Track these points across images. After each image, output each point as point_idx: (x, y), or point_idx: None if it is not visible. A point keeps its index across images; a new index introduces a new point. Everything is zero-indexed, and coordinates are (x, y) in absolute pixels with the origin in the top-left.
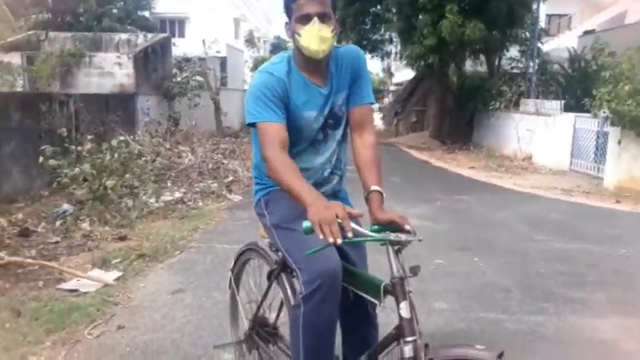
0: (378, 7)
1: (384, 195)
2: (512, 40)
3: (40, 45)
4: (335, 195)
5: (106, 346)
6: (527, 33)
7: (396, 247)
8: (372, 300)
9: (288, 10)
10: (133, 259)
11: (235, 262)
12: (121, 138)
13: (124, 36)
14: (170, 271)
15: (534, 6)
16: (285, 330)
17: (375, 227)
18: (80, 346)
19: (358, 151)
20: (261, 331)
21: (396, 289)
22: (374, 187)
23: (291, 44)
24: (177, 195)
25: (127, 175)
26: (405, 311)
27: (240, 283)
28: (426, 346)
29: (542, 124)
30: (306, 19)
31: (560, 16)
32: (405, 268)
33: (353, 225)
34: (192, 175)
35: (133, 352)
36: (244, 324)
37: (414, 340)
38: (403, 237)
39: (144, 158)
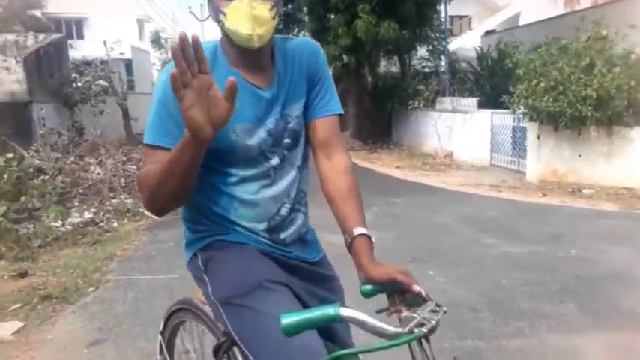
0: (289, 6)
1: (374, 239)
2: (422, 39)
3: None
4: (301, 240)
5: None
6: (435, 33)
7: (424, 342)
8: None
9: None
10: (36, 303)
11: (165, 324)
12: (9, 155)
13: (10, 37)
14: (84, 315)
15: (441, 6)
16: None
17: (368, 288)
18: None
19: (328, 179)
20: None
21: None
22: (359, 230)
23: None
24: (87, 216)
25: (23, 198)
26: None
27: (173, 349)
28: None
29: (460, 121)
30: None
31: (460, 17)
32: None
33: (356, 314)
34: (103, 191)
35: None
36: None
37: None
38: (434, 320)
39: (43, 176)
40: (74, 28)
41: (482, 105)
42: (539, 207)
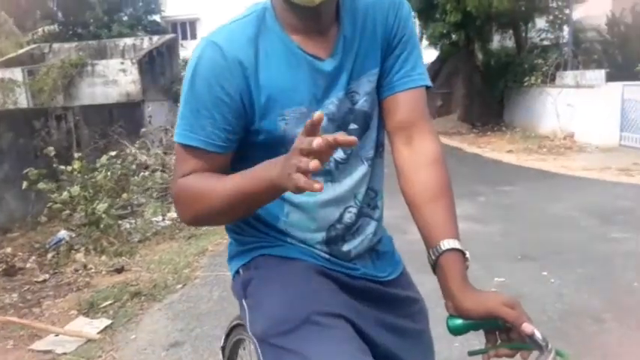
0: None
1: (468, 256)
2: (540, 9)
3: (45, 58)
4: (372, 252)
5: None
6: (556, 1)
7: None
8: None
9: None
10: (126, 300)
11: (226, 337)
12: (112, 153)
13: (129, 41)
14: (169, 314)
15: None
16: None
17: (458, 323)
18: None
19: (408, 174)
20: None
21: None
22: (450, 244)
23: None
24: None
25: (125, 195)
26: None
27: None
28: None
29: (584, 96)
30: None
31: None
32: None
33: None
34: None
35: None
36: None
37: None
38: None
39: (142, 173)
40: (188, 28)
41: (611, 78)
42: None
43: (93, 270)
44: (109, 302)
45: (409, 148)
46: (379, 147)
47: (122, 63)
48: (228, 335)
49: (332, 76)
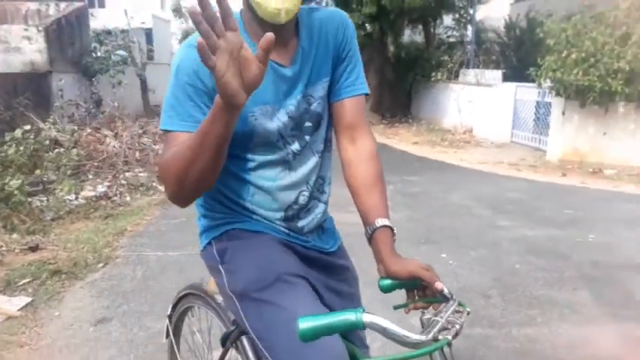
0: None
1: (395, 230)
2: (448, 7)
3: None
4: (320, 228)
5: None
6: (462, 1)
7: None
8: None
9: None
10: (45, 278)
11: (174, 308)
12: (27, 127)
13: (32, 5)
14: (92, 292)
15: None
16: None
17: (387, 283)
18: None
19: (351, 166)
20: None
21: None
22: (382, 222)
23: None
24: (101, 189)
25: (38, 171)
26: None
27: (180, 334)
28: None
29: (483, 94)
30: None
31: None
32: None
33: (379, 320)
34: (118, 164)
35: None
36: None
37: None
38: (458, 324)
39: (56, 150)
40: None
41: (507, 78)
42: (558, 188)
43: (4, 248)
44: (27, 280)
45: (353, 145)
46: (327, 142)
47: (26, 30)
48: (175, 305)
49: (292, 80)
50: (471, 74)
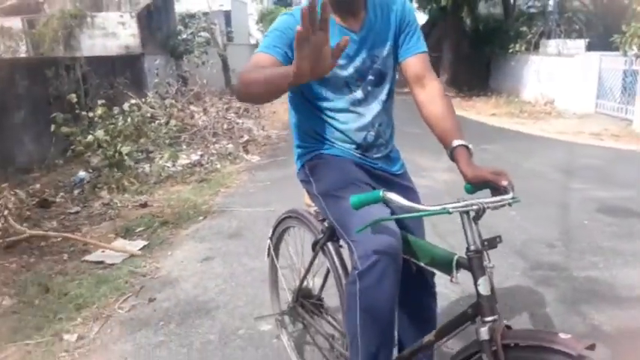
0: None
1: (471, 147)
2: None
3: (40, 7)
4: (386, 157)
5: (139, 320)
6: None
7: (472, 215)
8: (442, 273)
9: None
10: (156, 227)
11: (274, 230)
12: (133, 101)
13: None
14: (196, 238)
15: None
16: (330, 301)
17: (469, 187)
18: (112, 321)
19: (425, 106)
20: (306, 302)
21: (473, 264)
22: (457, 142)
23: None
24: (194, 158)
25: (142, 140)
26: (483, 288)
27: (279, 252)
28: (508, 328)
29: (564, 65)
30: None
31: None
32: (481, 239)
33: (396, 197)
34: (207, 136)
35: (167, 325)
36: (286, 294)
37: (494, 321)
38: (485, 204)
39: (157, 121)
40: None
41: (593, 47)
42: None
43: (119, 204)
44: (142, 228)
45: (423, 90)
46: (390, 94)
47: (121, 16)
48: (275, 228)
49: (359, 43)
50: (552, 45)
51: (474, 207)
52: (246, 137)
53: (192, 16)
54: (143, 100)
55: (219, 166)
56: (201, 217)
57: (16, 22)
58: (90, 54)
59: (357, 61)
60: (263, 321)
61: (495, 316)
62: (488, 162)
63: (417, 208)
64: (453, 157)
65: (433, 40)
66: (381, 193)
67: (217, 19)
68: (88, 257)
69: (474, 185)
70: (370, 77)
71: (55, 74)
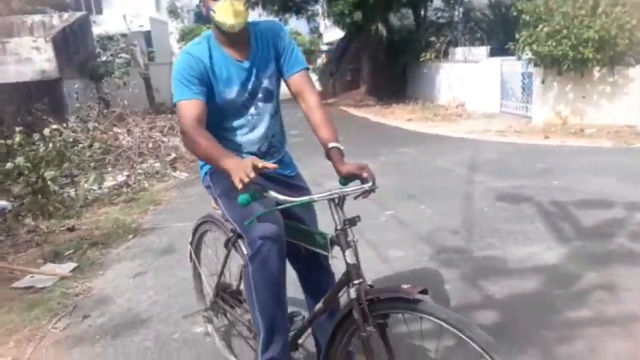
0: None
1: (342, 148)
2: None
3: None
4: (280, 162)
5: (74, 337)
6: None
7: (336, 202)
8: (322, 252)
9: None
10: (85, 249)
11: (193, 235)
12: (53, 126)
13: (37, 18)
14: (127, 256)
15: None
16: None
17: (342, 181)
18: (46, 341)
19: (307, 115)
20: (226, 295)
21: (341, 240)
22: (330, 145)
23: None
24: (121, 179)
25: (65, 165)
26: (350, 258)
27: (200, 255)
28: (370, 287)
29: (471, 70)
30: None
31: None
32: (346, 220)
33: (282, 196)
34: (133, 156)
35: (103, 337)
36: (209, 292)
37: (360, 283)
38: (345, 192)
39: (80, 145)
40: (92, 3)
41: (495, 53)
42: (538, 147)
43: (45, 230)
44: (71, 251)
45: (304, 102)
46: (278, 107)
47: (35, 41)
48: (194, 233)
49: (249, 70)
50: (459, 52)
51: (336, 195)
52: (173, 155)
53: (110, 38)
54: (64, 124)
55: (147, 184)
56: (131, 236)
57: None
58: (4, 80)
59: (249, 86)
60: (192, 319)
61: (360, 280)
62: (404, 164)
63: (291, 200)
64: (328, 157)
65: (352, 53)
66: (271, 193)
67: (137, 40)
68: (16, 284)
69: (346, 178)
70: (260, 95)
71: None
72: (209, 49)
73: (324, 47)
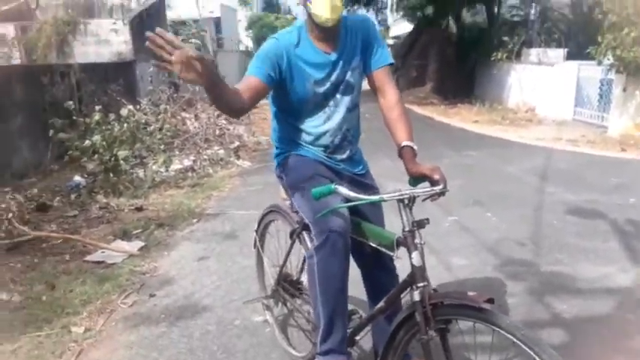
0: None
1: (415, 148)
2: None
3: (33, 14)
4: (350, 159)
5: (141, 314)
6: None
7: (405, 202)
8: (387, 251)
9: None
10: (152, 229)
11: (259, 224)
12: (129, 107)
13: (116, 0)
14: (191, 239)
15: None
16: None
17: (412, 181)
18: (116, 314)
19: (384, 112)
20: (287, 285)
21: (408, 241)
22: (404, 143)
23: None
24: (187, 163)
25: (137, 146)
26: (416, 260)
27: (264, 244)
28: (435, 290)
29: (545, 73)
30: None
31: None
32: (415, 221)
33: (344, 190)
34: (199, 142)
35: (167, 317)
36: (270, 281)
37: (424, 286)
38: (415, 193)
39: (151, 127)
40: None
41: (572, 57)
42: (612, 160)
43: (116, 208)
44: (139, 230)
45: (384, 99)
46: (356, 103)
47: (114, 23)
48: (260, 221)
49: (334, 62)
50: (533, 53)
51: (406, 195)
52: (237, 143)
53: (183, 23)
54: (137, 107)
55: (211, 171)
56: (195, 220)
57: (9, 29)
58: (83, 61)
59: (333, 77)
60: (256, 313)
61: (425, 282)
62: (470, 167)
63: (360, 198)
64: (400, 155)
65: (419, 48)
66: (333, 186)
67: (207, 26)
68: (89, 257)
69: (415, 179)
70: (342, 88)
71: (50, 81)
72: (298, 38)
73: (391, 41)
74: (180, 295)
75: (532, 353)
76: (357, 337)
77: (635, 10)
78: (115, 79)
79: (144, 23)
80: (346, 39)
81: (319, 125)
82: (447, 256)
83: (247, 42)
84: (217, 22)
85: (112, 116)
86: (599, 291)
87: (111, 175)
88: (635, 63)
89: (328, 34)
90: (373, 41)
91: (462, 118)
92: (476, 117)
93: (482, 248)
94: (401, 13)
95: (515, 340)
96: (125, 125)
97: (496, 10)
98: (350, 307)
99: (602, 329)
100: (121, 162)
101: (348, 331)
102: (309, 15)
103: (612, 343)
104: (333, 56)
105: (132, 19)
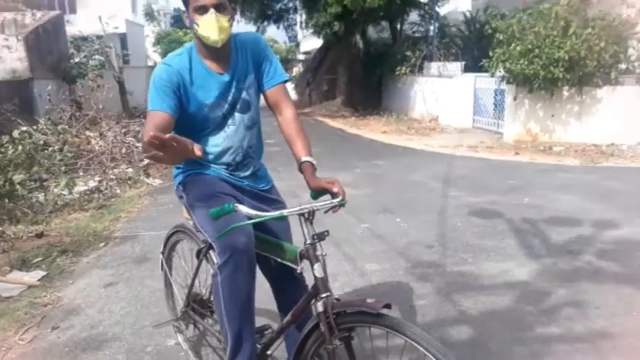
0: None
1: (314, 162)
2: (412, 5)
3: None
4: (255, 175)
5: (42, 350)
6: None
7: (306, 216)
8: (291, 265)
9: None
10: (55, 257)
11: (165, 245)
12: (23, 128)
13: (8, 15)
14: (98, 265)
15: None
16: None
17: (313, 194)
18: (12, 353)
19: (282, 128)
20: (196, 306)
21: (310, 254)
22: (304, 159)
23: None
24: (92, 184)
25: (35, 168)
26: (318, 272)
27: (172, 265)
28: (337, 300)
29: (445, 85)
30: (202, 9)
31: None
32: (315, 234)
33: (242, 208)
34: (105, 161)
35: (72, 351)
36: (180, 302)
37: (327, 296)
38: (316, 207)
39: (50, 148)
40: (66, 2)
41: (469, 69)
42: (507, 164)
43: (12, 236)
44: (40, 259)
45: (281, 115)
46: (256, 119)
47: (6, 39)
48: (166, 242)
49: (227, 82)
50: (433, 67)
51: (306, 209)
52: (146, 161)
53: (84, 38)
54: (34, 126)
55: (119, 191)
56: (102, 244)
57: None
58: None
59: (229, 97)
60: (169, 337)
61: (328, 293)
62: (379, 176)
63: (261, 215)
64: (301, 170)
65: (328, 63)
66: (231, 206)
67: (112, 42)
68: None
69: (316, 192)
70: (239, 106)
71: None
72: (190, 61)
73: (301, 56)
74: (87, 325)
75: (421, 348)
76: (269, 352)
77: (519, 27)
78: (9, 98)
79: (41, 39)
80: (237, 58)
81: (220, 144)
82: (360, 263)
83: (156, 57)
84: (123, 39)
85: (5, 138)
86: (501, 286)
87: (6, 201)
88: (522, 74)
89: (219, 54)
90: (264, 60)
91: (371, 129)
92: (384, 128)
93: (393, 253)
94: (310, 30)
95: (406, 339)
96: (19, 147)
97: (399, 26)
98: (264, 321)
99: (504, 322)
100: (17, 186)
101: (259, 346)
102: (197, 37)
103: (514, 335)
104: (226, 77)
105: (27, 35)
